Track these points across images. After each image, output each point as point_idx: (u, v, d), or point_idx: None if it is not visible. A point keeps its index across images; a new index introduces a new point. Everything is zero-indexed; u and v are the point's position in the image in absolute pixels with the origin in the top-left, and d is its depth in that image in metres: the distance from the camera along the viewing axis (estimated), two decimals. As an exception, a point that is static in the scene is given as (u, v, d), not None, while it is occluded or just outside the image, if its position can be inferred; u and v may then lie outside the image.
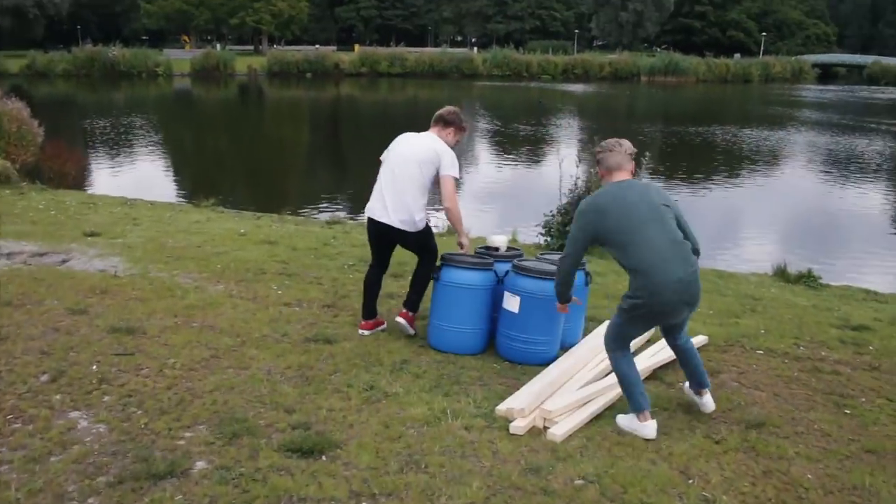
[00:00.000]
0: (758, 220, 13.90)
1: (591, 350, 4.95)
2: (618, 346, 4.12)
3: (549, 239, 9.18)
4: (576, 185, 9.21)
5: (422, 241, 5.18)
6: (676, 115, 35.00)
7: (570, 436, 4.00)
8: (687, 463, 3.83)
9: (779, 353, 5.67)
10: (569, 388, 4.45)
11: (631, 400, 4.06)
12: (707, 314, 6.70)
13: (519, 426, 3.96)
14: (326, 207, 13.46)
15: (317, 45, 62.70)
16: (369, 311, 5.43)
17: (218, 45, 59.50)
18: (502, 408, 4.13)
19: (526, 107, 36.62)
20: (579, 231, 4.10)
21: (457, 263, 5.00)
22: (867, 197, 16.75)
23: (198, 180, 16.21)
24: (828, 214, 14.77)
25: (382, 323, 5.55)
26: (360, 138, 24.15)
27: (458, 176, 5.14)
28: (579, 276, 4.91)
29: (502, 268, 5.19)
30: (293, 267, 7.23)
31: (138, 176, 16.20)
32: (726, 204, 14.95)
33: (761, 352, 5.68)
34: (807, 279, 8.32)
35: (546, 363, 4.93)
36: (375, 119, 30.92)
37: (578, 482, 3.55)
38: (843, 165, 20.97)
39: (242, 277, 6.70)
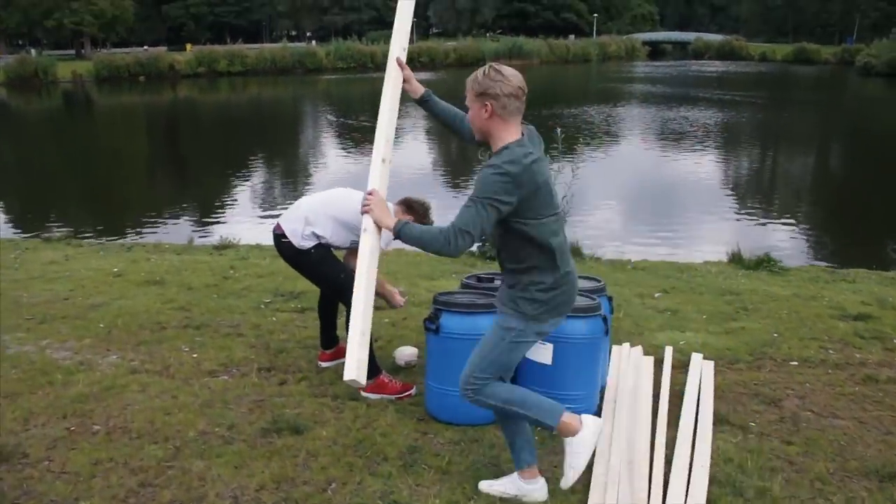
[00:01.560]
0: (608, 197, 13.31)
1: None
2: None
3: (482, 246, 8.02)
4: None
5: (319, 272, 4.23)
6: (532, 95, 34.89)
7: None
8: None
9: (815, 362, 4.88)
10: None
11: (544, 419, 3.02)
12: (700, 318, 5.81)
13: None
14: (189, 222, 11.70)
15: (145, 46, 58.37)
16: (327, 338, 4.63)
17: (33, 51, 53.99)
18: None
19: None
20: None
21: (458, 307, 3.74)
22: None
23: (29, 206, 13.85)
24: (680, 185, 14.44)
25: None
26: (205, 144, 22.09)
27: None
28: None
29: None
30: (197, 315, 5.71)
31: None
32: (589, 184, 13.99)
33: (795, 363, 4.86)
34: (767, 264, 7.66)
35: (586, 422, 3.79)
36: (219, 122, 28.60)
37: None
38: (699, 135, 21.19)
39: (138, 339, 5.13)
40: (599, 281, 4.25)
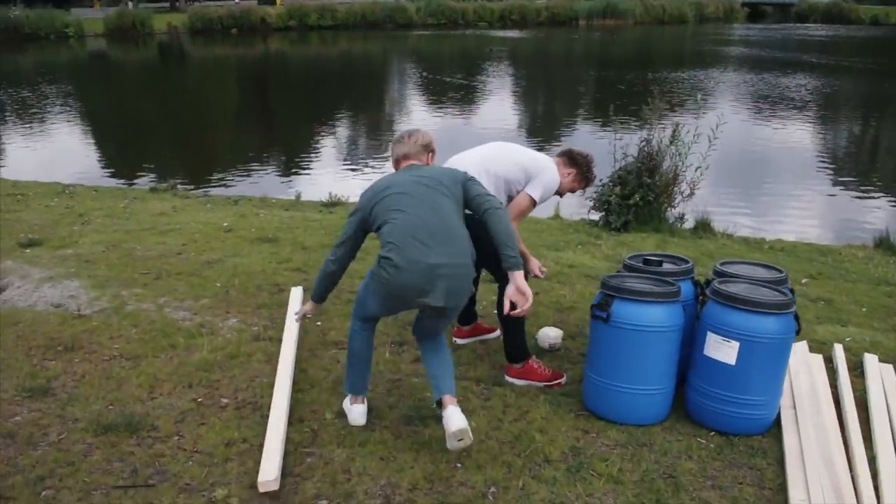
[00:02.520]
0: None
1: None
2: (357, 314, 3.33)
3: (607, 216, 7.52)
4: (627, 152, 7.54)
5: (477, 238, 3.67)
6: (624, 59, 33.58)
7: None
8: None
9: None
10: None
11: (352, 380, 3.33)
12: (859, 311, 5.21)
13: None
14: (287, 175, 11.45)
15: (237, 0, 58.82)
16: (466, 313, 4.25)
17: (130, 3, 55.01)
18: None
19: (474, 55, 34.61)
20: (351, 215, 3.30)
21: (631, 294, 3.30)
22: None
23: (130, 155, 13.86)
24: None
25: (492, 330, 4.27)
26: (297, 98, 21.86)
27: (538, 202, 3.88)
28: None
29: (686, 292, 3.54)
30: (314, 277, 5.40)
31: (61, 153, 13.66)
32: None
33: None
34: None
35: (763, 431, 3.35)
36: (310, 76, 28.41)
37: None
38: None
39: (257, 301, 4.88)
40: (781, 271, 3.74)
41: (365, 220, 3.22)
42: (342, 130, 16.16)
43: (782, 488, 2.94)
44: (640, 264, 3.73)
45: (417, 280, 2.96)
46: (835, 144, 15.50)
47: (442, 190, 3.13)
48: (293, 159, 12.79)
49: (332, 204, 8.24)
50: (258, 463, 2.97)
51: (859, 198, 10.96)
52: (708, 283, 3.64)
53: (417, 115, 17.55)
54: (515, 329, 3.78)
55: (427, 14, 51.91)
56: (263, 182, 10.71)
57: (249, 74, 29.61)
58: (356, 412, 3.34)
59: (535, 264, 4.08)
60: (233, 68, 31.83)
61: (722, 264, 3.79)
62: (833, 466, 3.01)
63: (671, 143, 7.42)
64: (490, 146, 4.01)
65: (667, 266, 3.73)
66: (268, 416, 3.35)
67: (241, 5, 50.53)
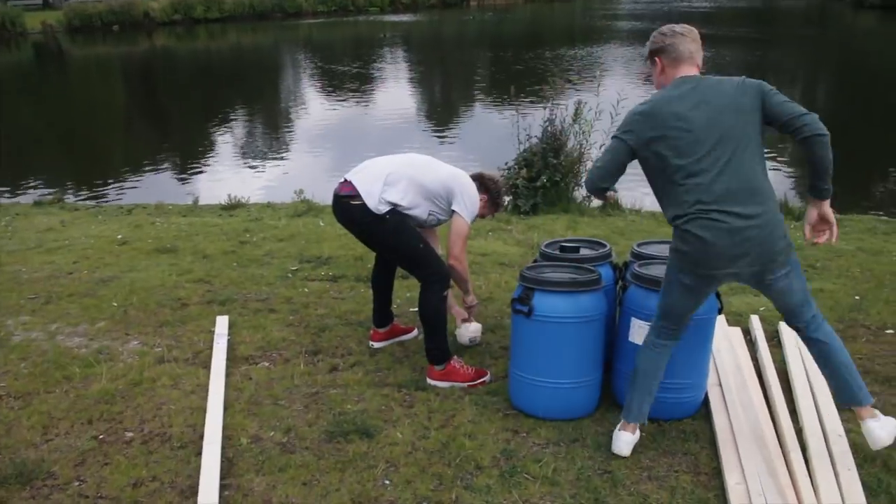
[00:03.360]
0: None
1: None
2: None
3: (515, 200, 7.45)
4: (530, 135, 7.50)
5: (394, 240, 3.64)
6: (518, 38, 33.81)
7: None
8: None
9: None
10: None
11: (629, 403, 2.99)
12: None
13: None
14: (182, 178, 10.92)
15: (116, -6, 56.15)
16: (382, 315, 4.13)
17: (-3, 1, 51.84)
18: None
19: (367, 42, 34.17)
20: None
21: (552, 286, 3.20)
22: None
23: (8, 167, 12.95)
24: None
25: (408, 330, 4.16)
26: (187, 95, 21.03)
27: (469, 221, 3.69)
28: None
29: (606, 277, 3.47)
30: (219, 288, 5.15)
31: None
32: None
33: (891, 331, 4.42)
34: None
35: (693, 414, 3.33)
36: (200, 71, 27.39)
37: None
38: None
39: (159, 319, 4.58)
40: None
41: (633, 154, 2.84)
42: (237, 128, 15.60)
43: (717, 472, 2.91)
44: (557, 252, 3.64)
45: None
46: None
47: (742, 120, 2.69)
48: (188, 162, 12.23)
49: (233, 206, 7.89)
50: (170, 503, 2.74)
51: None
52: (626, 265, 3.59)
53: (313, 107, 17.14)
54: (436, 329, 3.65)
55: (317, 2, 50.98)
56: (158, 188, 10.17)
57: (135, 73, 28.34)
58: (623, 441, 3.00)
59: (472, 299, 4.06)
60: (117, 67, 30.42)
61: (639, 245, 3.75)
62: (765, 445, 3.01)
63: (574, 121, 7.42)
64: (411, 156, 3.86)
65: (584, 252, 3.66)
66: (178, 449, 3.11)
67: (122, 0, 48.36)
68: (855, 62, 23.84)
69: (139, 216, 7.65)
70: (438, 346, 3.63)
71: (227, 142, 13.82)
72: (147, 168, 11.73)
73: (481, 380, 3.66)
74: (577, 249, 3.64)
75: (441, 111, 17.32)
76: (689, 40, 2.89)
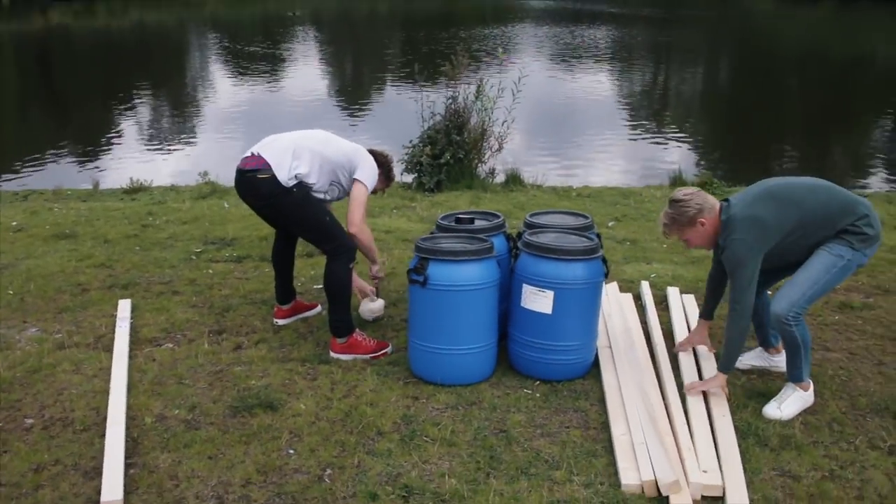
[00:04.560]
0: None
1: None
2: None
3: (419, 178, 7.56)
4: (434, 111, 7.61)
5: (301, 213, 3.71)
6: (429, 17, 33.84)
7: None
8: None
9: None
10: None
11: (803, 367, 3.23)
12: (660, 248, 5.62)
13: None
14: (81, 165, 10.54)
15: (5, -31, 53.09)
16: (284, 292, 4.19)
17: None
18: (633, 482, 2.67)
19: (275, 21, 33.51)
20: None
21: (446, 255, 3.33)
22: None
23: None
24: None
25: (312, 307, 4.26)
26: (85, 75, 20.20)
27: (370, 189, 3.79)
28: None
29: (499, 247, 3.63)
30: (121, 272, 5.10)
31: None
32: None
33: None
34: (710, 186, 7.53)
35: (584, 374, 3.53)
36: (100, 50, 26.32)
37: None
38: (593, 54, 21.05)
39: (58, 305, 4.51)
40: (587, 217, 3.91)
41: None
42: (141, 111, 15.14)
43: (605, 426, 3.11)
44: (453, 224, 3.78)
45: None
46: (630, 91, 16.50)
47: None
48: (89, 146, 11.83)
49: (135, 190, 7.75)
50: (74, 486, 2.76)
51: (654, 140, 11.75)
52: (520, 235, 3.75)
53: (222, 88, 16.79)
54: (341, 301, 3.74)
55: (223, -22, 49.57)
56: (56, 173, 9.81)
57: (28, 52, 27.04)
58: (810, 396, 3.29)
59: (379, 269, 4.13)
60: (7, 45, 28.91)
61: (531, 216, 3.92)
62: (648, 398, 3.22)
63: (476, 98, 7.56)
64: (312, 131, 3.94)
65: (478, 223, 3.80)
66: (81, 432, 3.11)
67: (11, -24, 45.77)
68: (753, 42, 24.86)
69: (35, 202, 7.43)
70: (342, 318, 3.72)
71: (130, 125, 13.42)
72: (45, 154, 11.28)
73: (383, 351, 3.77)
74: (471, 221, 3.78)
75: (350, 91, 17.23)
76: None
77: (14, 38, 31.63)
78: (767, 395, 3.33)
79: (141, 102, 15.85)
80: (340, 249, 3.74)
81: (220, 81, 18.04)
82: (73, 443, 3.05)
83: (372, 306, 4.15)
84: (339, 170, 3.78)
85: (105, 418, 3.19)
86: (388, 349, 3.80)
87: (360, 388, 3.44)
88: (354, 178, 3.78)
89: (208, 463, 2.89)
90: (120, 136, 12.36)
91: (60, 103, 16.86)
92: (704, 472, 2.70)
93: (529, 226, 3.81)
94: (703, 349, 3.69)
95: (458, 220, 3.80)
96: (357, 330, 3.80)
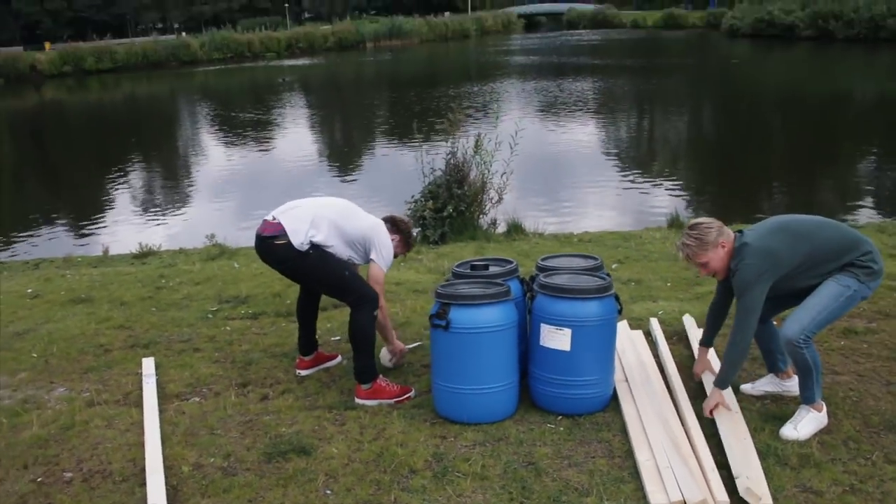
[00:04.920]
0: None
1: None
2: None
3: (423, 231, 7.74)
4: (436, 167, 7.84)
5: (320, 273, 3.89)
6: (416, 77, 34.56)
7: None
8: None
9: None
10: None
11: (815, 389, 3.39)
12: (664, 287, 5.77)
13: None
14: (87, 234, 10.71)
15: (-2, 48, 54.20)
16: (307, 344, 4.32)
17: None
18: (662, 502, 2.77)
19: (265, 88, 34.14)
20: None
21: (466, 300, 3.48)
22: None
23: None
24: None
25: (333, 357, 4.37)
26: (81, 148, 20.52)
27: (385, 269, 4.00)
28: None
29: (515, 290, 3.77)
30: (141, 332, 5.21)
31: None
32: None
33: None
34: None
35: (604, 407, 3.65)
36: (94, 123, 26.76)
37: None
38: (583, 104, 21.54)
39: (83, 366, 4.61)
40: (596, 259, 4.08)
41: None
42: (137, 179, 15.39)
43: (629, 454, 3.22)
44: (468, 270, 3.93)
45: None
46: (617, 139, 16.87)
47: None
48: (91, 215, 12.02)
49: (144, 255, 7.89)
50: (119, 532, 2.84)
51: (647, 184, 12.02)
52: (533, 279, 3.90)
53: (214, 154, 17.07)
54: (365, 349, 3.86)
55: (212, 49, 50.62)
56: (62, 243, 9.99)
57: (24, 128, 27.44)
58: (824, 416, 3.42)
59: (398, 345, 4.25)
60: (4, 122, 29.33)
61: (543, 259, 4.08)
62: (668, 425, 3.34)
63: (475, 153, 7.80)
64: (332, 199, 4.12)
65: (493, 269, 3.95)
66: (120, 482, 3.20)
67: (5, 52, 46.74)
68: (734, 86, 25.45)
69: (47, 270, 7.56)
70: (365, 364, 3.85)
71: (128, 193, 13.66)
72: (44, 225, 11.46)
73: (406, 395, 3.88)
74: (486, 267, 3.94)
75: (345, 153, 17.55)
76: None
77: (10, 114, 32.13)
78: (782, 419, 3.44)
79: (137, 171, 16.13)
80: (363, 300, 3.87)
81: (213, 148, 18.36)
82: (114, 493, 3.14)
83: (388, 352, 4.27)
84: (355, 245, 3.94)
85: (142, 469, 3.28)
86: (412, 393, 3.91)
87: (389, 430, 3.54)
88: (370, 259, 3.93)
89: (249, 507, 2.98)
90: (120, 205, 12.59)
91: (58, 175, 17.12)
92: (747, 478, 2.81)
93: (542, 269, 3.96)
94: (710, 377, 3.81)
95: (474, 267, 3.95)
96: (381, 376, 3.91)
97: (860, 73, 28.69)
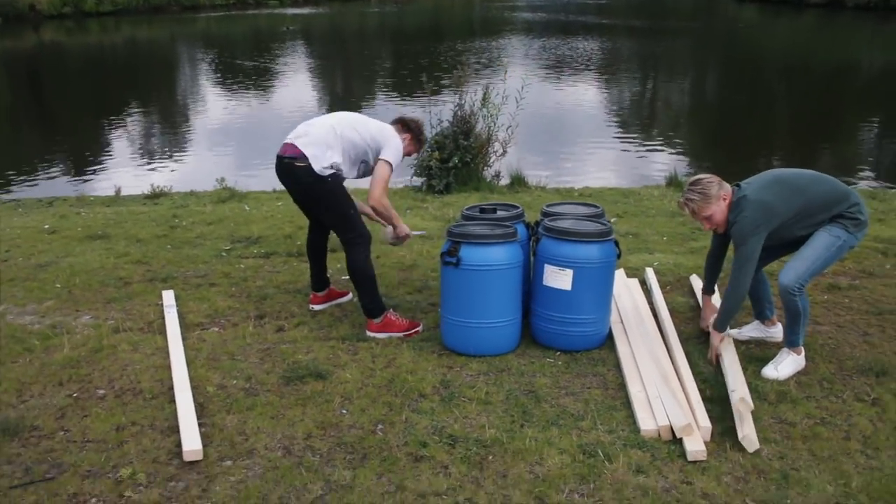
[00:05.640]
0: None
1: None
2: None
3: (429, 180, 7.94)
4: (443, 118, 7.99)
5: (331, 201, 4.04)
6: (421, 31, 34.36)
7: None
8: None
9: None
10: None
11: (800, 334, 3.65)
12: (661, 241, 6.01)
13: (698, 449, 2.90)
14: (95, 175, 10.82)
15: (-3, -13, 53.41)
16: (319, 280, 4.56)
17: None
18: (651, 427, 3.05)
19: (268, 36, 33.91)
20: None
21: (477, 239, 3.71)
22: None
23: None
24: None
25: (344, 294, 4.61)
26: (85, 92, 20.53)
27: (394, 165, 4.12)
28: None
29: (520, 233, 4.01)
30: (158, 267, 5.44)
31: None
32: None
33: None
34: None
35: (600, 345, 3.90)
36: (94, 67, 26.64)
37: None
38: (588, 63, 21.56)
39: (105, 296, 4.85)
40: (598, 207, 4.30)
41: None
42: (141, 123, 15.46)
43: (622, 386, 3.49)
44: (478, 213, 4.15)
45: None
46: (620, 100, 16.97)
47: None
48: (98, 157, 12.16)
49: (156, 195, 8.10)
50: (154, 441, 3.11)
51: (648, 145, 12.18)
52: (538, 223, 4.13)
53: (217, 103, 17.09)
54: (367, 286, 4.10)
55: (213, -7, 50.00)
56: (71, 184, 10.15)
57: (23, 69, 27.31)
58: (802, 360, 3.68)
59: (403, 229, 4.40)
60: (2, 62, 29.15)
61: (548, 206, 4.30)
62: (659, 362, 3.60)
63: (482, 105, 7.96)
64: (339, 115, 4.26)
65: (501, 213, 4.17)
66: (150, 399, 3.46)
67: (4, -7, 46.11)
68: (740, 51, 25.40)
69: (61, 208, 7.76)
70: (372, 300, 4.10)
71: (130, 138, 13.69)
72: (52, 166, 11.58)
73: (415, 329, 4.14)
74: (494, 210, 4.16)
75: (352, 102, 17.60)
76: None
77: (8, 55, 31.91)
78: (764, 360, 3.71)
79: (139, 116, 16.17)
80: (358, 240, 4.10)
81: (215, 97, 18.31)
82: (145, 408, 3.39)
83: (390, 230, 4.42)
84: (368, 151, 4.11)
85: (170, 388, 3.54)
86: (420, 328, 4.16)
87: (399, 359, 3.80)
88: (379, 158, 4.09)
89: (271, 422, 3.24)
90: (125, 148, 12.64)
91: (58, 118, 17.15)
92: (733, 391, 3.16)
93: (546, 214, 4.18)
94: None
95: (483, 210, 4.17)
96: (391, 310, 4.16)
97: (868, 42, 28.60)
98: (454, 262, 3.68)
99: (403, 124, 4.32)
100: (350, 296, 4.68)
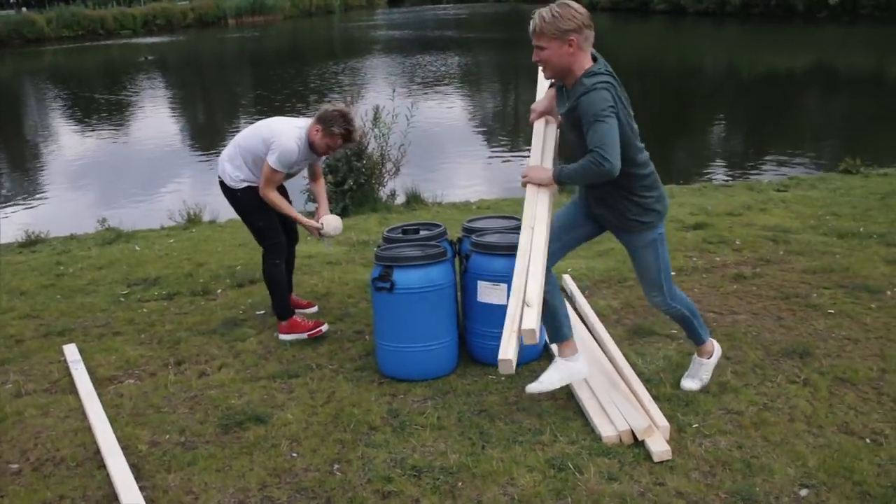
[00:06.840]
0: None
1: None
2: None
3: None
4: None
5: (243, 213, 4.44)
6: (286, 54, 33.88)
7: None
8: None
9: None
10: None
11: (701, 331, 3.47)
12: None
13: (663, 450, 2.93)
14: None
15: None
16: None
17: None
18: (612, 434, 3.05)
19: (121, 67, 32.44)
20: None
21: (410, 261, 3.63)
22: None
23: None
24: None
25: (309, 305, 4.90)
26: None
27: (275, 168, 4.17)
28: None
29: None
30: (52, 320, 5.05)
31: None
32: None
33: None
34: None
35: (539, 357, 3.92)
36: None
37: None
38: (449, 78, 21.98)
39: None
40: (518, 219, 4.29)
41: None
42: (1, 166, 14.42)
43: (571, 395, 3.49)
44: (400, 234, 4.07)
45: None
46: (491, 113, 17.28)
47: None
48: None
49: (33, 242, 7.52)
50: (87, 512, 2.84)
51: (510, 155, 12.44)
52: (460, 241, 4.09)
53: (68, 140, 16.12)
54: (275, 290, 4.33)
55: (61, 25, 47.48)
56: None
57: None
58: (717, 353, 3.54)
59: (305, 221, 4.42)
60: None
61: (468, 221, 4.27)
62: (601, 366, 3.64)
63: (374, 125, 7.89)
64: (254, 125, 4.37)
65: (423, 232, 4.11)
66: (76, 467, 3.17)
67: None
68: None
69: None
70: (280, 303, 4.35)
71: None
72: None
73: (317, 329, 4.29)
74: (417, 231, 4.09)
75: (226, 129, 17.08)
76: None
77: None
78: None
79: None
80: (270, 249, 4.37)
81: (66, 132, 17.31)
82: (71, 478, 3.10)
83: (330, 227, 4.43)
84: (259, 157, 4.19)
85: (96, 452, 3.26)
86: (324, 327, 4.31)
87: (339, 392, 3.66)
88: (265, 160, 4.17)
89: (218, 476, 3.03)
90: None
91: None
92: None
93: (469, 230, 4.15)
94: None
95: (405, 232, 4.10)
96: (295, 312, 4.44)
97: (710, 45, 30.50)
98: (388, 286, 3.58)
99: (318, 116, 4.20)
100: (315, 308, 4.81)
